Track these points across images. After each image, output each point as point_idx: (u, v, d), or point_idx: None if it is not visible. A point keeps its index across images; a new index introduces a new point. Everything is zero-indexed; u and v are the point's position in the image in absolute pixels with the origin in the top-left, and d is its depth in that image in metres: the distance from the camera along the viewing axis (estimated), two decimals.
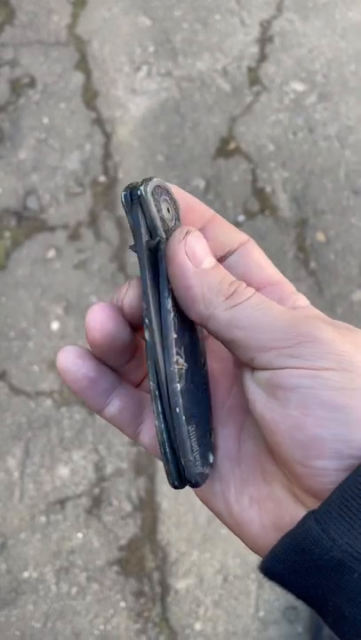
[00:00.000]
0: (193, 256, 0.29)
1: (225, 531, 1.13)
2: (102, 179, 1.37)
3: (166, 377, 0.29)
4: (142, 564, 1.13)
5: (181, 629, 1.10)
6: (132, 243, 0.31)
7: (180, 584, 1.12)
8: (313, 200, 1.34)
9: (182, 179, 1.36)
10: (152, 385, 0.29)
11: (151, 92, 1.44)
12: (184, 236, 0.29)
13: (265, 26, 1.50)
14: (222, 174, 1.36)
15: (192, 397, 0.30)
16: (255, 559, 1.12)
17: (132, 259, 1.31)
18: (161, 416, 0.29)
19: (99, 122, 1.42)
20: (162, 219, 0.30)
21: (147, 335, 0.29)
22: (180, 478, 0.29)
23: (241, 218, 1.32)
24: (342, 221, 1.33)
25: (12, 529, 1.15)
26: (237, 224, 1.32)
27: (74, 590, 1.12)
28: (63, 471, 1.18)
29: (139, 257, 0.30)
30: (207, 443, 0.30)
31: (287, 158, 1.38)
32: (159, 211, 0.30)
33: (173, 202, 0.32)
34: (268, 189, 1.35)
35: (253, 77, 1.45)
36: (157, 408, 0.29)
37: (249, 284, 0.31)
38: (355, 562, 0.24)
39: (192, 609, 1.10)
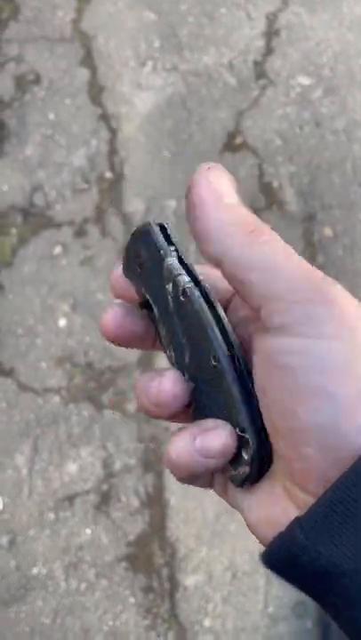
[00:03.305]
0: (215, 190, 0.27)
1: (233, 527, 1.13)
2: (108, 175, 1.37)
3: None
4: (151, 560, 1.13)
5: (190, 625, 1.10)
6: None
7: (189, 580, 1.12)
8: (320, 195, 1.33)
9: (189, 174, 1.35)
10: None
11: (157, 87, 1.44)
12: (209, 167, 0.28)
13: (271, 19, 1.49)
14: (229, 169, 1.34)
15: (208, 405, 0.29)
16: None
17: None
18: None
19: (104, 117, 1.42)
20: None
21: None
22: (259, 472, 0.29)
23: None
24: (350, 216, 1.32)
25: (20, 525, 1.15)
26: None
27: (83, 586, 1.12)
28: (71, 468, 1.18)
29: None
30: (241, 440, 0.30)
31: (294, 153, 1.37)
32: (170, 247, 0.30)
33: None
34: (276, 184, 1.34)
35: (260, 71, 1.44)
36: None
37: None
38: (339, 571, 0.24)
39: (201, 605, 1.11)
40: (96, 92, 1.44)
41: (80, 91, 1.44)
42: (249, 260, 0.26)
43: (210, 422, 0.28)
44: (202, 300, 0.28)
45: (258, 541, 0.29)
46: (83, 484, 1.17)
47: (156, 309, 0.30)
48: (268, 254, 0.26)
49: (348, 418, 0.24)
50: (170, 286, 0.29)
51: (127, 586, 1.12)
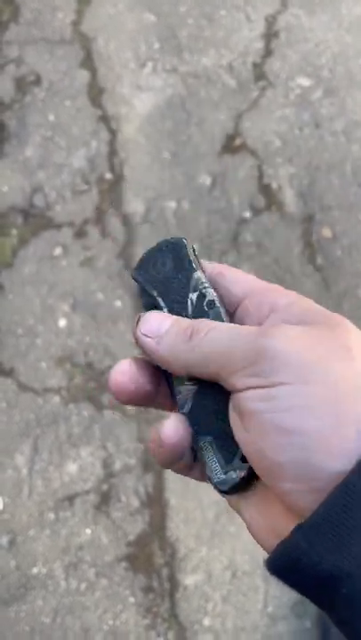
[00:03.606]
0: (150, 332, 0.32)
1: (233, 527, 1.13)
2: (108, 176, 1.37)
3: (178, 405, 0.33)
4: (151, 560, 1.13)
5: (190, 625, 1.10)
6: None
7: (189, 580, 1.12)
8: (319, 196, 1.34)
9: (188, 175, 1.36)
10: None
11: (157, 89, 1.44)
12: (136, 322, 0.33)
13: (270, 21, 1.49)
14: (228, 170, 1.36)
15: (210, 408, 0.32)
16: (263, 555, 1.12)
17: (138, 256, 1.31)
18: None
19: (104, 119, 1.42)
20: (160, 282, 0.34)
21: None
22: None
23: (247, 214, 1.32)
24: (349, 217, 1.32)
25: (20, 525, 1.16)
26: (244, 220, 1.32)
27: (83, 586, 1.13)
28: (71, 468, 1.18)
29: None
30: (234, 448, 0.31)
31: (293, 154, 1.37)
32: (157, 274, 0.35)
33: (173, 252, 0.35)
34: (275, 185, 1.35)
35: (259, 73, 1.45)
36: None
37: (232, 306, 0.33)
38: (344, 575, 0.24)
39: (201, 605, 1.11)
40: (96, 93, 1.45)
41: (80, 92, 1.45)
42: (202, 356, 0.30)
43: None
44: (224, 311, 0.33)
45: (261, 548, 0.30)
46: (83, 484, 1.17)
47: (166, 310, 0.34)
48: (212, 344, 0.29)
49: (319, 449, 0.25)
50: (194, 295, 0.33)
51: (127, 585, 1.12)
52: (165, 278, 0.34)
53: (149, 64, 1.46)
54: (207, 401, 0.32)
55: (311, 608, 1.08)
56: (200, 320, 0.31)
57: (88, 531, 1.15)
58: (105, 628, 1.11)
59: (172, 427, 0.31)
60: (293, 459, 0.25)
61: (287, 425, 0.26)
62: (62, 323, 1.27)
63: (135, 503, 1.16)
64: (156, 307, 0.34)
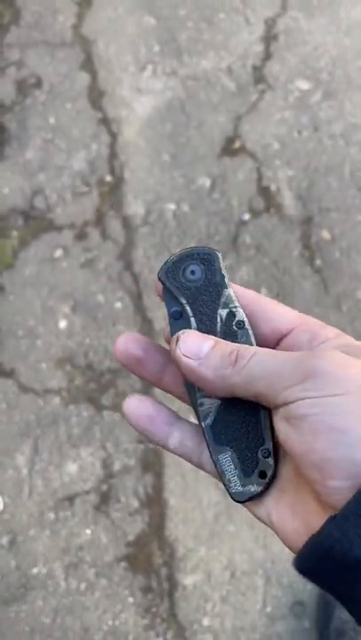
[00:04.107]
0: (190, 353, 0.33)
1: (232, 527, 1.14)
2: (108, 178, 1.38)
3: (198, 416, 0.35)
4: (150, 560, 1.14)
5: (189, 625, 1.11)
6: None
7: (188, 580, 1.13)
8: (318, 198, 1.35)
9: (188, 177, 1.37)
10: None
11: (156, 92, 1.45)
12: (175, 342, 0.34)
13: (270, 24, 1.50)
14: (228, 173, 1.37)
15: (233, 424, 0.34)
16: (262, 555, 1.13)
17: (138, 258, 1.32)
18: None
19: (105, 121, 1.43)
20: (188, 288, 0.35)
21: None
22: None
23: (246, 216, 1.33)
24: (348, 219, 1.33)
25: (20, 525, 1.16)
26: (243, 222, 1.33)
27: (83, 586, 1.13)
28: (71, 468, 1.19)
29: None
30: (254, 462, 0.34)
31: (292, 157, 1.38)
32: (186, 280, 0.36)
33: (202, 259, 0.36)
34: (274, 188, 1.36)
35: (258, 76, 1.45)
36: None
37: (275, 334, 0.35)
38: None
39: (200, 605, 1.11)
40: (96, 96, 1.45)
41: (80, 95, 1.45)
42: (248, 379, 0.32)
43: None
44: (252, 333, 0.34)
45: (293, 552, 0.32)
46: (83, 485, 1.18)
47: (194, 320, 0.35)
48: (258, 367, 0.32)
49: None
50: (224, 312, 0.35)
51: (126, 585, 1.13)
52: (195, 288, 0.35)
53: (149, 67, 1.47)
54: (231, 416, 0.34)
55: (310, 608, 1.09)
56: (243, 346, 0.33)
57: (88, 531, 1.16)
58: (104, 628, 1.11)
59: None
60: (343, 456, 0.28)
61: (338, 425, 0.29)
62: (63, 324, 1.28)
63: (134, 503, 1.16)
64: (182, 314, 0.35)
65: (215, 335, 0.35)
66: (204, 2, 1.53)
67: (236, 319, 0.34)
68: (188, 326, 0.35)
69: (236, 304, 0.35)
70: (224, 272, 0.35)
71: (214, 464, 0.34)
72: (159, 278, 0.36)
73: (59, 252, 1.32)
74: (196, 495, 1.16)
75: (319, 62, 1.46)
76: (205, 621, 1.10)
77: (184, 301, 0.35)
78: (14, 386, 1.24)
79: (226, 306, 0.35)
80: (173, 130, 1.41)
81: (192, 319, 0.35)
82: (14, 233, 1.35)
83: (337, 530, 0.27)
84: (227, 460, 0.34)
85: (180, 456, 0.37)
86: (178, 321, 0.35)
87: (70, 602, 1.13)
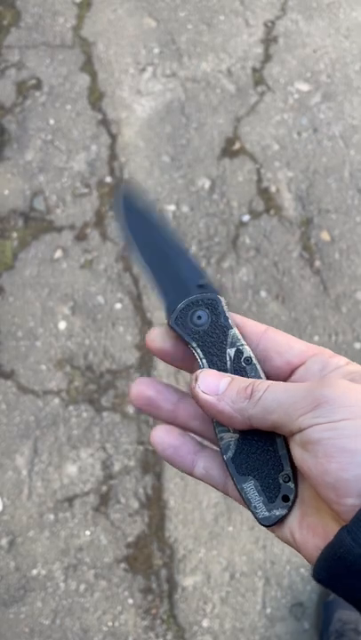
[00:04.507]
0: (209, 390, 0.36)
1: (231, 528, 1.14)
2: (108, 179, 1.38)
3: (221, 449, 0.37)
4: (150, 562, 1.14)
5: (189, 626, 1.10)
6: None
7: (188, 581, 1.12)
8: (318, 199, 1.35)
9: (188, 179, 1.37)
10: None
11: (156, 93, 1.45)
12: (194, 380, 0.37)
13: (269, 26, 1.50)
14: (227, 174, 1.37)
15: (253, 454, 0.37)
16: (262, 556, 1.12)
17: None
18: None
19: (104, 123, 1.43)
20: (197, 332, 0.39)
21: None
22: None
23: (246, 217, 1.33)
24: (347, 220, 1.33)
25: (20, 527, 1.16)
26: (242, 224, 1.33)
27: (82, 587, 1.13)
28: (71, 469, 1.19)
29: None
30: (276, 488, 0.36)
31: (292, 158, 1.38)
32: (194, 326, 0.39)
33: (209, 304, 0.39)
34: (273, 189, 1.36)
35: (258, 78, 1.46)
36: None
37: (289, 365, 0.38)
38: None
39: (199, 606, 1.11)
40: (96, 97, 1.46)
41: (80, 96, 1.46)
42: (263, 411, 0.35)
43: None
44: (260, 367, 0.37)
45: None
46: (82, 486, 1.18)
47: (205, 361, 0.38)
48: (272, 399, 0.34)
49: None
50: (232, 351, 0.38)
51: (126, 587, 1.13)
52: (203, 332, 0.38)
53: (149, 69, 1.47)
54: (251, 447, 0.37)
55: (310, 610, 1.09)
56: (257, 380, 0.36)
57: (87, 532, 1.16)
58: (104, 629, 1.11)
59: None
60: (355, 475, 0.30)
61: (351, 447, 0.31)
62: (62, 325, 1.28)
63: (134, 504, 1.16)
64: (194, 357, 0.39)
65: (226, 372, 0.38)
66: (204, 4, 1.53)
67: (244, 356, 0.37)
68: (201, 367, 0.38)
69: (243, 342, 0.38)
70: (228, 314, 0.38)
71: (239, 493, 0.37)
72: (170, 327, 0.39)
73: (58, 253, 1.33)
74: (196, 496, 1.15)
75: (318, 64, 1.46)
76: (205, 623, 1.10)
77: (194, 345, 0.38)
78: (14, 387, 1.24)
79: (233, 345, 0.38)
80: (173, 131, 1.42)
81: (203, 360, 0.38)
82: (14, 234, 1.35)
83: (349, 537, 0.29)
84: (251, 488, 0.36)
85: (206, 483, 0.40)
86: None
87: (70, 603, 1.13)
